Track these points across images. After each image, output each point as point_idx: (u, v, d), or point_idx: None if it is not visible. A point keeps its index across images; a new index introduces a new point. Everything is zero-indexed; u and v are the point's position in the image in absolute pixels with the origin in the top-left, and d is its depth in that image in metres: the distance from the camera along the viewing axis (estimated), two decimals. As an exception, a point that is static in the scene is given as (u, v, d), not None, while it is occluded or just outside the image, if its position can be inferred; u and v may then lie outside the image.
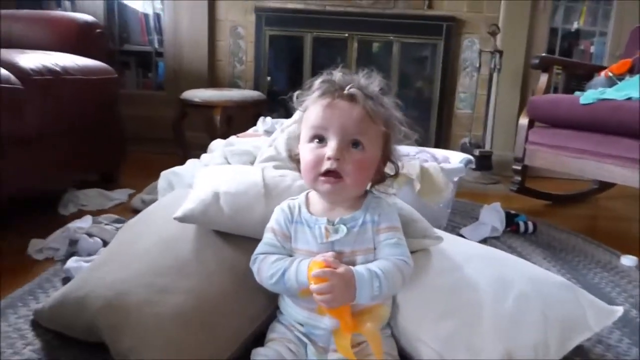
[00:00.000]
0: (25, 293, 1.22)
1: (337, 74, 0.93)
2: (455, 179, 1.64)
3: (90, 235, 1.49)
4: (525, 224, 1.91)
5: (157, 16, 3.28)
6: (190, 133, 2.82)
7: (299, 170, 0.98)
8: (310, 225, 0.93)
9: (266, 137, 1.70)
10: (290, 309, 0.94)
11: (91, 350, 0.98)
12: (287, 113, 1.14)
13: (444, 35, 3.05)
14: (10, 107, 1.56)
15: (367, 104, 0.89)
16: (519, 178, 2.35)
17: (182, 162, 1.74)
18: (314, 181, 0.90)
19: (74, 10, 3.13)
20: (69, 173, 2.03)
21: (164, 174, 1.67)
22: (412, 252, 0.97)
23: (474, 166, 1.83)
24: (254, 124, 2.10)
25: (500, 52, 2.88)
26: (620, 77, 2.28)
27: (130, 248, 1.09)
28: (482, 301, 1.00)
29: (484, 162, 2.89)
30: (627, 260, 1.65)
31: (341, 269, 0.84)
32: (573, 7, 3.19)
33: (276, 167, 1.30)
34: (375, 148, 0.92)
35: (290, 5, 3.12)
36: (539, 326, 0.98)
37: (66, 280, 1.26)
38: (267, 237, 0.95)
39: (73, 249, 1.46)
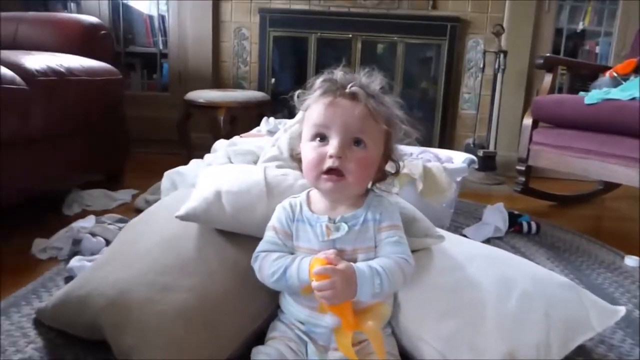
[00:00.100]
0: (28, 292, 1.23)
1: (339, 73, 0.94)
2: (458, 179, 1.64)
3: (93, 234, 1.50)
4: (529, 224, 1.90)
5: (162, 18, 3.30)
6: (194, 134, 2.83)
7: (300, 169, 0.98)
8: (312, 224, 0.93)
9: (269, 137, 1.70)
10: (291, 307, 0.94)
11: (93, 348, 0.98)
12: (291, 114, 1.14)
13: (448, 36, 3.05)
14: (15, 108, 1.57)
15: (369, 103, 0.89)
16: (523, 178, 2.34)
17: (186, 163, 1.75)
18: (316, 179, 0.91)
19: (79, 12, 3.17)
20: (73, 174, 2.03)
21: (168, 173, 1.67)
22: (414, 251, 0.98)
23: (477, 166, 1.83)
24: (258, 125, 2.11)
25: (505, 53, 2.87)
26: (625, 77, 2.26)
27: (133, 247, 1.10)
28: (484, 300, 1.00)
29: (488, 163, 2.88)
30: (631, 261, 1.65)
31: (342, 265, 0.84)
32: (578, 7, 3.18)
33: (279, 167, 1.30)
34: (376, 146, 0.92)
35: (294, 7, 3.13)
36: (541, 326, 0.97)
37: (69, 279, 1.26)
38: (269, 235, 0.96)
39: (76, 248, 1.47)
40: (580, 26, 3.20)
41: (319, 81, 0.94)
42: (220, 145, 1.70)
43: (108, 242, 1.46)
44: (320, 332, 0.91)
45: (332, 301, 0.83)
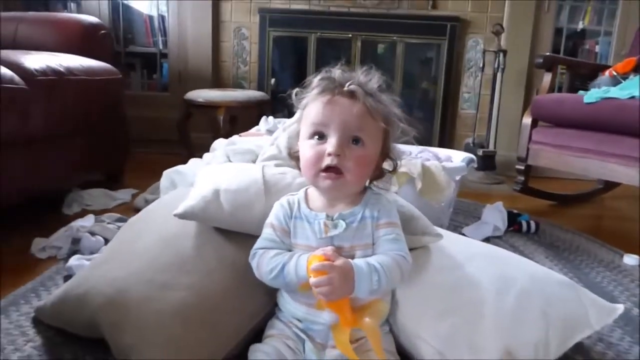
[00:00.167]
0: (27, 291, 1.24)
1: (337, 71, 0.94)
2: (457, 177, 1.64)
3: (92, 233, 1.50)
4: (528, 223, 1.90)
5: (162, 18, 3.30)
6: (194, 134, 2.83)
7: (298, 167, 0.99)
8: (310, 221, 0.93)
9: (268, 136, 1.70)
10: (289, 305, 0.95)
11: (92, 346, 0.99)
12: (291, 113, 1.15)
13: (448, 36, 3.05)
14: (15, 108, 1.57)
15: (367, 101, 0.90)
16: (522, 178, 2.34)
17: (186, 163, 1.75)
18: (314, 177, 0.91)
19: (79, 12, 3.17)
20: (73, 173, 2.04)
21: (167, 172, 1.68)
22: (412, 249, 0.98)
23: (475, 165, 1.83)
24: (258, 124, 2.11)
25: (505, 52, 2.87)
26: (625, 76, 2.26)
27: (131, 246, 1.10)
28: (482, 299, 1.00)
29: (487, 162, 2.88)
30: (630, 260, 1.65)
31: (340, 261, 0.84)
32: (578, 6, 3.18)
33: (277, 166, 1.30)
34: (374, 144, 0.93)
35: (294, 6, 3.13)
36: (539, 324, 0.97)
37: (68, 278, 1.26)
38: (267, 232, 0.96)
39: (76, 247, 1.47)
40: (580, 26, 3.20)
41: (316, 79, 0.94)
42: (219, 144, 1.70)
43: (107, 241, 1.46)
44: (318, 330, 0.91)
45: (330, 297, 0.83)
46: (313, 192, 0.97)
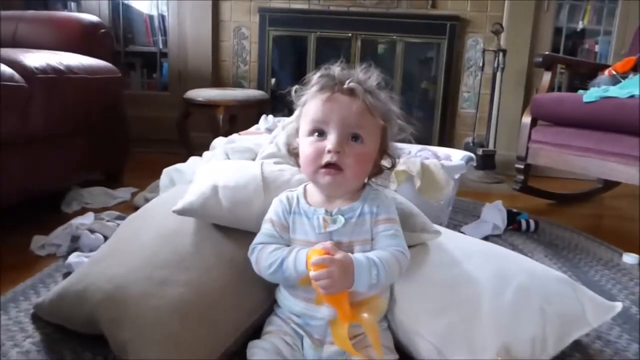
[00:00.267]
0: (27, 288, 1.24)
1: (336, 69, 0.94)
2: (456, 176, 1.64)
3: (92, 231, 1.50)
4: (527, 222, 1.90)
5: (162, 17, 3.30)
6: (194, 133, 2.83)
7: (297, 164, 1.00)
8: (309, 216, 0.94)
9: (267, 134, 1.71)
10: (287, 301, 0.95)
11: (91, 342, 0.99)
12: (291, 112, 1.16)
13: (448, 35, 3.05)
14: (14, 106, 1.57)
15: (367, 98, 0.90)
16: (521, 177, 2.34)
17: (185, 162, 1.75)
18: (314, 174, 0.92)
19: (79, 11, 3.17)
20: (73, 172, 2.04)
21: (166, 170, 1.68)
22: (410, 246, 0.98)
23: (475, 164, 1.83)
24: (257, 124, 2.11)
25: (504, 51, 2.87)
26: (624, 75, 2.27)
27: (130, 242, 1.10)
28: (480, 296, 1.00)
29: (487, 162, 2.88)
30: (629, 258, 1.65)
31: (339, 255, 0.85)
32: (577, 6, 3.18)
33: (276, 164, 1.31)
34: (373, 141, 0.94)
35: (293, 6, 3.13)
36: (537, 320, 0.98)
37: (67, 275, 1.26)
38: (265, 227, 0.96)
39: (75, 245, 1.47)
40: (580, 25, 3.20)
41: (316, 77, 0.95)
42: (219, 142, 1.70)
43: (106, 239, 1.45)
44: (316, 325, 0.91)
45: (329, 290, 0.83)
46: (312, 188, 0.98)
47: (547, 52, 2.70)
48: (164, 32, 3.29)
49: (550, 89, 2.38)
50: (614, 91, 1.99)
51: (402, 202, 1.12)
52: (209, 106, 2.64)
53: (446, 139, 3.17)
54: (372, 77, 0.95)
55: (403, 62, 3.13)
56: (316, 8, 3.12)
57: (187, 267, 1.00)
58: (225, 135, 1.89)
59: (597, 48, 3.22)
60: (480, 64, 3.03)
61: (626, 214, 2.40)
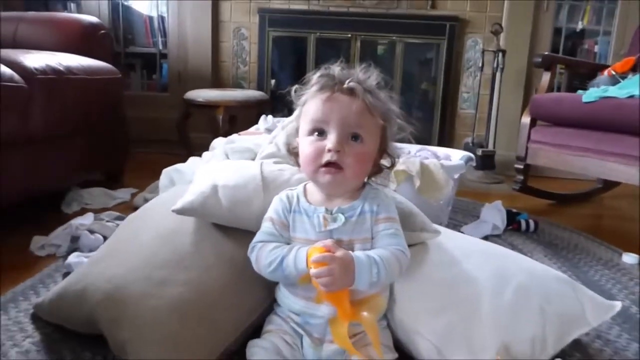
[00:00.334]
0: (26, 288, 1.24)
1: (336, 69, 0.95)
2: (456, 176, 1.64)
3: (91, 231, 1.50)
4: (527, 222, 1.90)
5: (162, 18, 3.31)
6: (194, 134, 2.84)
7: (297, 163, 1.00)
8: (309, 214, 0.94)
9: (267, 134, 1.71)
10: (287, 300, 0.95)
11: (90, 342, 0.99)
12: (290, 113, 1.17)
13: (447, 35, 3.06)
14: (14, 106, 1.57)
15: (366, 98, 0.91)
16: (521, 177, 2.34)
17: (185, 162, 1.75)
18: (314, 173, 0.92)
19: (79, 12, 3.18)
20: (73, 173, 2.04)
21: (166, 171, 1.68)
22: (410, 246, 0.98)
23: (474, 164, 1.83)
24: (257, 124, 2.11)
25: (504, 52, 2.87)
26: (624, 75, 2.26)
27: (129, 242, 1.10)
28: (480, 295, 1.00)
29: (486, 162, 2.88)
30: (629, 258, 1.65)
31: (340, 253, 0.85)
32: (577, 6, 3.18)
33: (276, 164, 1.31)
34: (373, 141, 0.94)
35: (293, 7, 3.14)
36: (536, 320, 0.98)
37: (67, 275, 1.26)
38: (266, 226, 0.96)
39: (75, 245, 1.47)
40: (580, 26, 3.20)
41: (316, 76, 0.95)
42: (219, 143, 1.70)
43: (106, 239, 1.44)
44: (316, 324, 0.91)
45: (330, 288, 0.83)
46: (312, 187, 0.98)
47: (546, 53, 2.70)
48: (164, 33, 3.30)
49: (550, 89, 2.38)
50: (613, 91, 1.99)
51: (401, 202, 1.12)
52: (209, 107, 2.65)
53: (446, 140, 3.18)
54: (372, 76, 0.96)
55: (402, 63, 3.13)
56: (316, 9, 3.13)
57: (187, 267, 1.00)
58: (225, 135, 1.89)
59: (596, 48, 3.22)
60: (480, 65, 3.04)
61: (626, 214, 2.40)
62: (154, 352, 0.87)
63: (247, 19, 3.17)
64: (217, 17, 3.18)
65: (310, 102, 0.94)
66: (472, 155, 1.79)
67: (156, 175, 1.78)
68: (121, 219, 1.66)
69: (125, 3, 3.30)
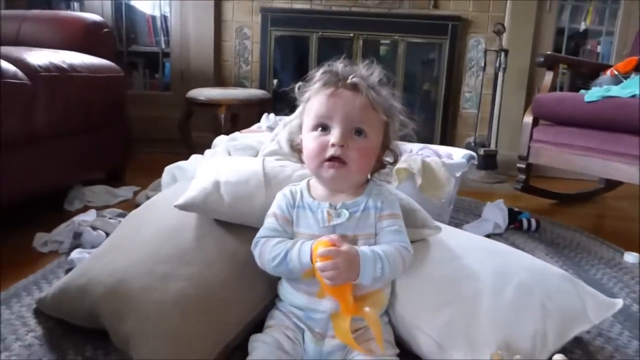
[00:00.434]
0: (29, 283, 1.24)
1: (339, 65, 0.96)
2: (458, 174, 1.64)
3: (94, 228, 1.51)
4: (529, 221, 1.90)
5: (164, 18, 3.31)
6: (196, 133, 2.84)
7: (300, 160, 1.01)
8: (313, 210, 0.94)
9: (269, 132, 1.71)
10: (289, 295, 0.95)
11: (93, 337, 0.99)
12: (292, 111, 1.18)
13: (450, 35, 3.06)
14: (18, 103, 1.58)
15: (370, 93, 0.92)
16: (523, 176, 2.34)
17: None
18: (318, 168, 0.93)
19: (82, 11, 3.18)
20: (75, 171, 2.04)
21: (168, 168, 1.68)
22: (411, 242, 0.98)
23: (476, 162, 1.83)
24: (259, 122, 2.11)
25: (506, 51, 2.87)
26: (626, 75, 2.26)
27: (132, 238, 1.10)
28: (481, 291, 1.00)
29: (489, 161, 2.88)
30: (631, 257, 1.64)
31: (345, 247, 0.86)
32: (580, 6, 3.18)
33: (278, 161, 1.31)
34: (376, 136, 0.95)
35: (295, 6, 3.14)
36: (537, 316, 0.98)
37: (70, 271, 1.27)
38: (269, 221, 0.97)
39: (77, 241, 1.48)
40: (583, 26, 3.20)
41: (319, 73, 0.96)
42: (221, 141, 1.70)
43: (108, 236, 1.46)
44: (318, 319, 0.91)
45: (335, 281, 0.84)
46: (315, 183, 0.99)
47: (549, 52, 2.70)
48: (167, 33, 3.30)
49: (552, 88, 2.38)
50: (615, 91, 1.99)
51: (403, 198, 1.12)
52: (211, 105, 2.65)
53: (448, 139, 3.18)
54: (375, 73, 0.97)
55: (405, 63, 3.14)
56: (318, 8, 3.13)
57: (189, 262, 1.01)
58: (227, 134, 1.90)
59: (599, 49, 3.22)
60: (482, 64, 3.04)
61: (628, 215, 2.40)
62: (156, 346, 0.87)
63: (250, 18, 3.18)
64: (219, 16, 3.19)
65: (314, 98, 0.94)
66: (473, 153, 1.79)
67: (158, 174, 1.78)
68: (123, 216, 1.66)
69: (128, 2, 3.31)
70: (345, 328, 0.85)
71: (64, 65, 1.82)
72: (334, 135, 0.90)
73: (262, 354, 0.86)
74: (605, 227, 2.18)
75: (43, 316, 1.07)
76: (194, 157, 1.71)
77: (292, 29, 3.15)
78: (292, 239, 0.94)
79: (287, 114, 2.33)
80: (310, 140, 0.93)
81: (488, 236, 1.76)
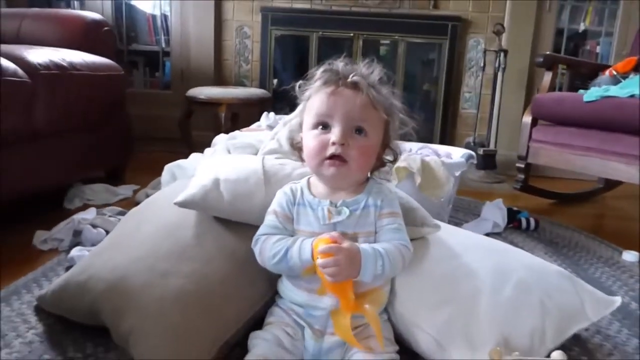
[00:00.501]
0: (29, 281, 1.25)
1: (339, 64, 0.96)
2: (457, 173, 1.64)
3: (94, 226, 1.51)
4: (527, 220, 1.90)
5: (165, 17, 3.32)
6: (196, 132, 2.85)
7: (300, 158, 1.01)
8: (313, 207, 0.95)
9: (269, 131, 1.71)
10: (289, 292, 0.95)
11: (93, 333, 1.00)
12: (292, 111, 1.19)
13: (449, 35, 3.06)
14: (18, 101, 1.58)
15: (370, 92, 0.92)
16: (522, 176, 2.34)
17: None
18: (318, 166, 0.93)
19: (82, 9, 3.17)
20: (75, 169, 2.04)
21: (168, 166, 1.69)
22: (410, 240, 0.98)
23: (475, 161, 1.83)
24: (259, 121, 2.11)
25: (505, 52, 2.88)
26: (625, 75, 2.27)
27: (132, 235, 1.11)
28: (480, 289, 1.01)
29: (488, 161, 2.89)
30: (629, 256, 1.65)
31: (347, 244, 0.86)
32: (579, 7, 3.18)
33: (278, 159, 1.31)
34: (377, 135, 0.95)
35: (296, 5, 3.14)
36: (536, 314, 0.98)
37: (70, 269, 1.27)
38: (269, 219, 0.97)
39: (77, 239, 1.48)
40: (582, 27, 3.21)
41: (320, 71, 0.96)
42: (221, 139, 1.70)
43: (109, 233, 1.46)
44: (318, 316, 0.92)
45: (336, 278, 0.84)
46: (315, 180, 0.99)
47: (548, 52, 2.71)
48: (167, 32, 3.31)
49: (552, 89, 2.39)
50: (614, 91, 2.00)
51: (402, 197, 1.12)
52: (211, 104, 2.66)
53: (447, 139, 3.18)
54: (375, 71, 0.97)
55: (404, 63, 3.14)
56: (318, 8, 3.13)
57: (189, 259, 1.01)
58: (227, 132, 1.90)
59: (598, 49, 3.22)
60: (482, 64, 3.04)
61: (627, 214, 2.40)
62: (156, 342, 0.88)
63: (250, 17, 3.18)
64: (219, 15, 3.19)
65: (315, 97, 0.95)
66: (472, 153, 1.79)
67: (158, 173, 1.79)
68: (123, 214, 1.66)
69: (128, 2, 3.31)
70: (345, 325, 0.85)
71: (64, 64, 1.82)
72: (334, 134, 0.90)
73: (262, 351, 0.87)
74: (604, 227, 2.19)
75: (43, 313, 1.08)
76: (194, 156, 1.71)
77: (292, 29, 3.16)
78: (292, 236, 0.94)
79: (287, 113, 2.33)
80: (310, 139, 0.94)
81: (487, 235, 1.76)
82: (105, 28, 2.36)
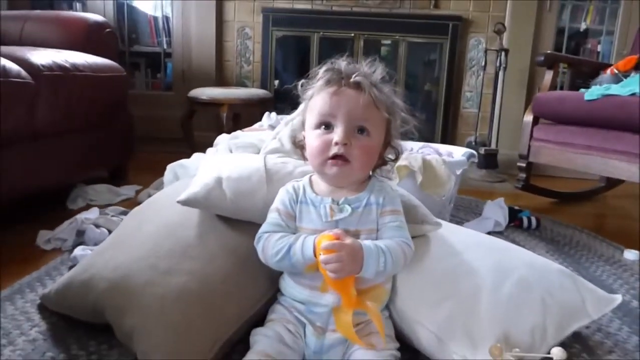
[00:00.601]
0: (33, 280, 1.25)
1: (342, 63, 0.96)
2: (458, 172, 1.65)
3: (97, 226, 1.52)
4: (529, 219, 1.91)
5: (166, 18, 3.33)
6: (198, 132, 2.86)
7: (303, 156, 1.02)
8: (316, 205, 0.95)
9: (270, 131, 1.72)
10: (291, 289, 0.96)
11: (96, 331, 1.00)
12: (294, 111, 1.19)
13: (450, 35, 3.07)
14: (21, 102, 1.59)
15: (373, 92, 0.93)
16: (523, 175, 2.35)
17: (189, 158, 1.77)
18: (321, 165, 0.94)
19: (84, 11, 3.19)
20: (78, 169, 2.05)
21: (171, 166, 1.69)
22: (412, 238, 0.99)
23: (476, 160, 1.84)
24: (261, 121, 2.12)
25: (506, 51, 2.88)
26: (626, 74, 2.27)
27: (135, 234, 1.11)
28: (480, 286, 1.01)
29: (489, 161, 2.89)
30: (631, 255, 1.65)
31: (349, 240, 0.87)
32: (580, 6, 3.19)
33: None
34: (379, 134, 0.96)
35: (297, 6, 3.15)
36: (536, 311, 0.98)
37: (73, 268, 1.28)
38: (272, 216, 0.98)
39: (80, 239, 1.49)
40: (583, 26, 3.21)
41: (322, 71, 0.97)
42: (222, 139, 1.71)
43: (111, 233, 1.47)
44: (320, 313, 0.92)
45: (338, 274, 0.85)
46: (317, 179, 1.00)
47: (549, 51, 2.71)
48: (168, 33, 3.32)
49: (553, 87, 2.39)
50: (615, 89, 2.00)
51: (403, 195, 1.13)
52: (213, 105, 2.67)
53: (448, 139, 3.19)
54: (377, 71, 0.98)
55: (406, 62, 3.15)
56: (319, 8, 3.14)
57: (191, 257, 1.02)
58: (229, 133, 1.90)
59: (599, 48, 3.23)
60: (483, 64, 3.05)
61: (628, 213, 2.40)
62: (159, 340, 0.88)
63: (251, 18, 3.19)
64: (221, 16, 3.20)
65: (317, 96, 0.95)
66: (474, 152, 1.79)
67: (160, 173, 1.79)
68: (126, 214, 1.66)
69: (130, 3, 3.32)
70: (347, 322, 0.86)
71: (67, 65, 1.84)
72: (337, 134, 0.91)
73: (264, 347, 0.87)
74: (606, 226, 2.19)
75: (47, 311, 1.08)
76: (196, 155, 1.72)
77: (293, 29, 3.17)
78: (294, 234, 0.95)
79: (289, 113, 2.35)
80: (313, 138, 0.94)
81: (489, 234, 1.77)
82: (108, 30, 2.37)
